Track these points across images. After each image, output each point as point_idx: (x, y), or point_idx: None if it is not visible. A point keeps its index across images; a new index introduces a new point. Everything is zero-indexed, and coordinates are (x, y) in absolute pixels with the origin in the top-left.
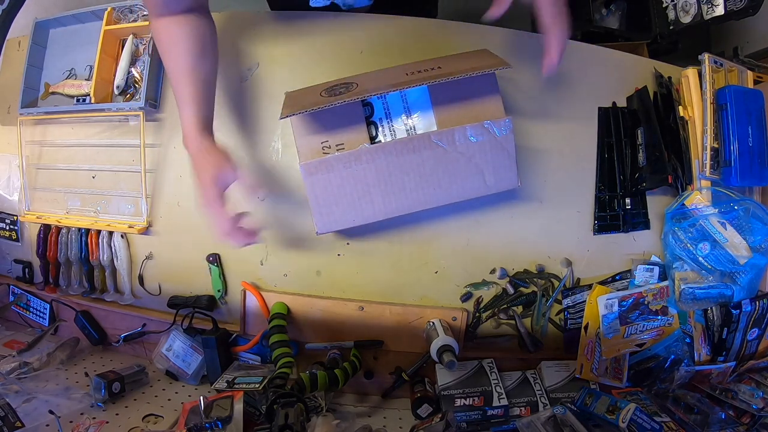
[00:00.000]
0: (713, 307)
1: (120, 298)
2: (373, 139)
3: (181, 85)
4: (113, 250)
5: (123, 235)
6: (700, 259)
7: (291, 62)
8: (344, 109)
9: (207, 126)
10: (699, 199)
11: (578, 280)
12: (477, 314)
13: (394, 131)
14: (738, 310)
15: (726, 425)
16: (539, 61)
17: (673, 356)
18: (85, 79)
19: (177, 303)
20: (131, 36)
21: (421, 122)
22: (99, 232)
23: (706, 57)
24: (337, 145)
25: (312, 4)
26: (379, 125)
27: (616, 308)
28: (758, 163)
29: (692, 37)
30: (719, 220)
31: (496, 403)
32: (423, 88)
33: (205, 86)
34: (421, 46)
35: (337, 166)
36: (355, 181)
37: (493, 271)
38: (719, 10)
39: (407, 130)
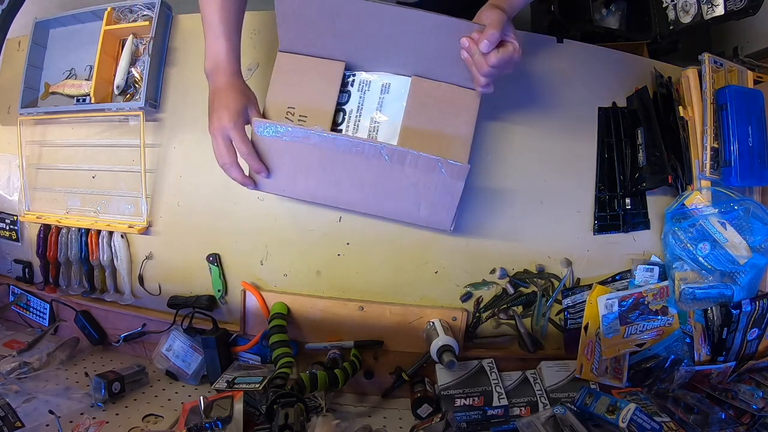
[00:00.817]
0: (713, 307)
1: (120, 298)
2: (335, 125)
3: (210, 7)
4: (113, 250)
5: (123, 235)
6: (700, 259)
7: None
8: (323, 82)
9: (238, 57)
10: (699, 199)
11: (578, 280)
12: (477, 314)
13: (357, 126)
14: (738, 310)
15: (726, 425)
16: (539, 60)
17: (673, 356)
18: (85, 79)
19: (177, 303)
20: (131, 36)
21: (387, 128)
22: (99, 232)
23: (706, 57)
24: (300, 116)
25: None
26: (346, 115)
27: (616, 308)
28: (758, 163)
29: (692, 37)
30: (719, 220)
31: (496, 403)
32: (405, 90)
33: (236, 11)
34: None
35: (286, 135)
36: (297, 157)
37: (493, 271)
38: (719, 10)
39: (370, 128)
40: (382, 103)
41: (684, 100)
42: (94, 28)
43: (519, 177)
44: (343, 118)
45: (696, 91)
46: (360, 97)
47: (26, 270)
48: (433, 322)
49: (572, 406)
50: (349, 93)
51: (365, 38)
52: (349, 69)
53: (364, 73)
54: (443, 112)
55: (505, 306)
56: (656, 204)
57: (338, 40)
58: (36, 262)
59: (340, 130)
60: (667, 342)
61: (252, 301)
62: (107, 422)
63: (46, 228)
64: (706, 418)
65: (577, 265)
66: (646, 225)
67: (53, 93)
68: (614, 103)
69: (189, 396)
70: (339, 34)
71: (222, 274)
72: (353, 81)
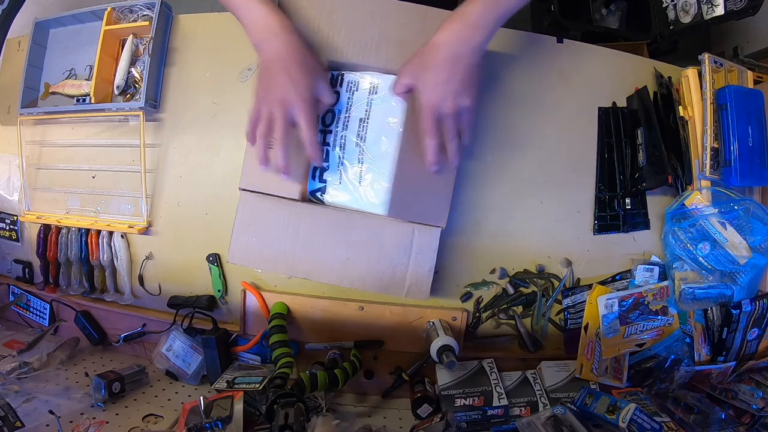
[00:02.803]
0: (713, 307)
1: (120, 298)
2: (325, 126)
3: None
4: (113, 250)
5: (123, 235)
6: (700, 259)
7: None
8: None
9: (285, 16)
10: (699, 199)
11: (578, 280)
12: (477, 314)
13: (346, 127)
14: (738, 310)
15: (726, 425)
16: (539, 60)
17: (673, 356)
18: (85, 79)
19: (177, 303)
20: (131, 36)
21: (375, 128)
22: (99, 232)
23: (706, 57)
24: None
25: None
26: (335, 117)
27: (616, 308)
28: (758, 163)
29: (692, 37)
30: (719, 220)
31: (496, 403)
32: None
33: None
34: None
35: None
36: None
37: (493, 271)
38: (719, 10)
39: (359, 128)
40: (371, 104)
41: (684, 100)
42: (94, 28)
43: (519, 177)
44: (332, 119)
45: (696, 91)
46: (348, 98)
47: (26, 270)
48: (433, 322)
49: (572, 406)
50: (337, 93)
51: (356, 32)
52: (337, 69)
53: (351, 73)
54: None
55: (505, 306)
56: (656, 204)
57: (330, 38)
58: (36, 262)
59: (330, 131)
60: (667, 342)
61: (252, 301)
62: (107, 422)
63: (46, 228)
64: (706, 418)
65: (577, 265)
66: (646, 225)
67: (53, 93)
68: (614, 103)
69: (189, 396)
70: (333, 27)
71: (222, 274)
72: (341, 80)
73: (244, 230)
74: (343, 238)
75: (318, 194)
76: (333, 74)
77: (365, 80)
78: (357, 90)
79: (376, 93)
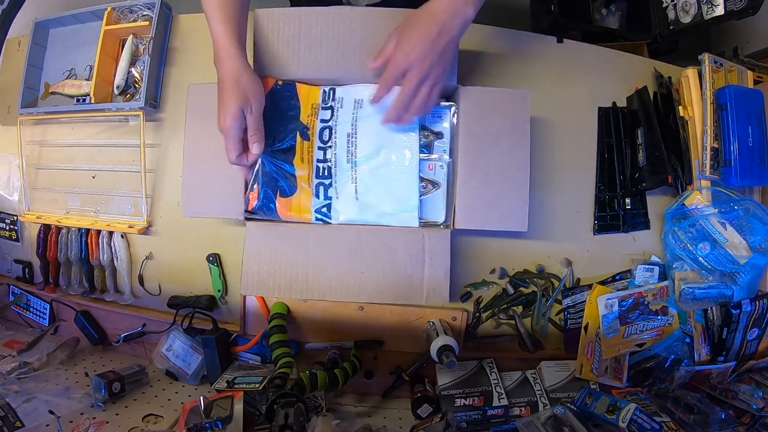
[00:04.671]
0: (713, 307)
1: (120, 298)
2: (323, 143)
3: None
4: (113, 250)
5: (123, 235)
6: (700, 259)
7: None
8: None
9: (242, 44)
10: (699, 199)
11: (578, 280)
12: (477, 314)
13: (335, 143)
14: (738, 310)
15: (726, 425)
16: (539, 60)
17: (673, 356)
18: (85, 79)
19: (177, 303)
20: (131, 36)
21: (365, 143)
22: (99, 232)
23: (706, 57)
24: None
25: None
26: (332, 132)
27: (616, 308)
28: (758, 163)
29: (692, 37)
30: (719, 220)
31: (496, 403)
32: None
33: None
34: None
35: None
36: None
37: (493, 271)
38: (719, 10)
39: (348, 143)
40: (356, 119)
41: (684, 100)
42: (94, 28)
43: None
44: (330, 136)
45: (696, 91)
46: (338, 111)
47: (26, 270)
48: (433, 322)
49: (572, 406)
50: (331, 108)
51: (337, 46)
52: (331, 84)
53: (339, 87)
54: None
55: (505, 306)
56: (656, 204)
57: (312, 54)
58: (36, 262)
59: (331, 147)
60: (667, 342)
61: (252, 301)
62: (107, 422)
63: (46, 228)
64: (706, 418)
65: (577, 265)
66: (646, 225)
67: (53, 93)
68: (614, 103)
69: (189, 396)
70: (312, 44)
71: (222, 274)
72: (334, 95)
73: (254, 260)
74: (354, 253)
75: (324, 211)
76: (325, 90)
77: (349, 94)
78: (342, 106)
79: (361, 107)
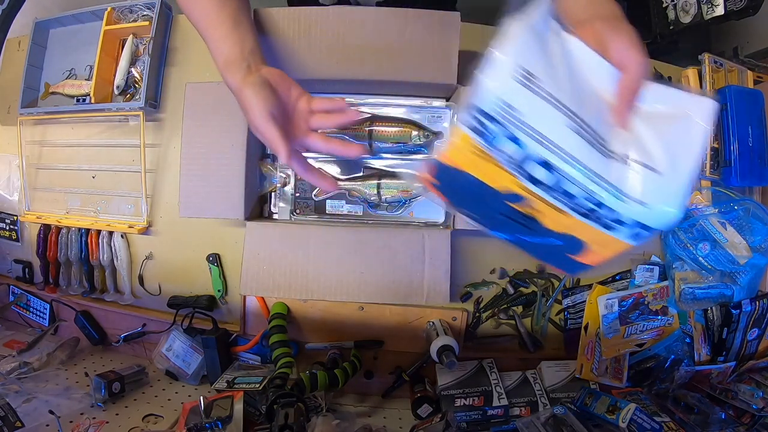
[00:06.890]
0: (713, 307)
1: (120, 298)
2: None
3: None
4: (113, 250)
5: (123, 235)
6: (700, 259)
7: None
8: None
9: (254, 49)
10: (699, 199)
11: (578, 280)
12: (477, 314)
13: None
14: (738, 310)
15: (726, 425)
16: None
17: (673, 356)
18: (85, 79)
19: (177, 303)
20: (131, 36)
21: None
22: (99, 232)
23: (706, 57)
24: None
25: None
26: None
27: (616, 308)
28: (758, 163)
29: (692, 37)
30: (719, 220)
31: (496, 403)
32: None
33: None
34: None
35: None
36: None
37: (493, 271)
38: (719, 10)
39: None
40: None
41: None
42: (94, 28)
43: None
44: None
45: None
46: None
47: (26, 270)
48: (433, 322)
49: (572, 406)
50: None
51: (337, 47)
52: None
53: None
54: None
55: (505, 306)
56: None
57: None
58: (36, 262)
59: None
60: (667, 342)
61: (252, 301)
62: (107, 422)
63: (46, 228)
64: (706, 418)
65: None
66: None
67: (53, 93)
68: None
69: (189, 396)
70: (312, 45)
71: (222, 274)
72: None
73: (254, 260)
74: (354, 253)
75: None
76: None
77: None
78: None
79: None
